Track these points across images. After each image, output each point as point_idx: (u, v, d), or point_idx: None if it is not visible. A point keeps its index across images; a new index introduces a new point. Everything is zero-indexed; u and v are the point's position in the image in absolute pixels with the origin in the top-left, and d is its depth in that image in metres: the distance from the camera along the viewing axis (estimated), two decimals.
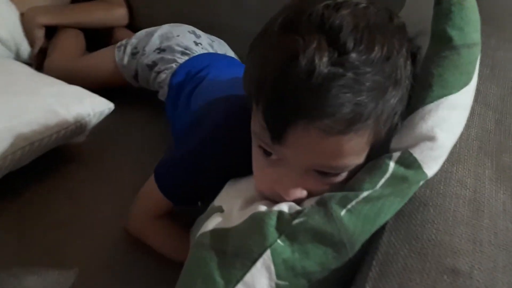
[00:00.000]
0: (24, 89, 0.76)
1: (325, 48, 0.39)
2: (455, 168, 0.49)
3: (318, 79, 0.38)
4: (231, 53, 0.96)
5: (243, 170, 0.54)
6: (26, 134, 0.69)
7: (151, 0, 1.13)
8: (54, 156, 0.78)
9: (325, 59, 0.39)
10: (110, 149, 0.84)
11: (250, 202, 0.50)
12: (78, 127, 0.76)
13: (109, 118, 0.83)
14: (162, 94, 0.87)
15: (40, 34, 1.04)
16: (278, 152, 0.45)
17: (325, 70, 0.38)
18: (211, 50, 0.90)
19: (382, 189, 0.44)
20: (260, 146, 0.47)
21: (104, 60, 0.95)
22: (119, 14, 1.13)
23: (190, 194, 0.61)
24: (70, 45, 1.05)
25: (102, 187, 0.75)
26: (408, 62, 0.44)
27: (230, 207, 0.50)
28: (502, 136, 0.54)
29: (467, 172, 0.48)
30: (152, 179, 0.62)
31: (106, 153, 0.83)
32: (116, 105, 0.83)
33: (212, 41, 0.94)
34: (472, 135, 0.53)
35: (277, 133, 0.42)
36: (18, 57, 1.04)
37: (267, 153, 0.46)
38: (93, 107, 0.78)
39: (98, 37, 1.14)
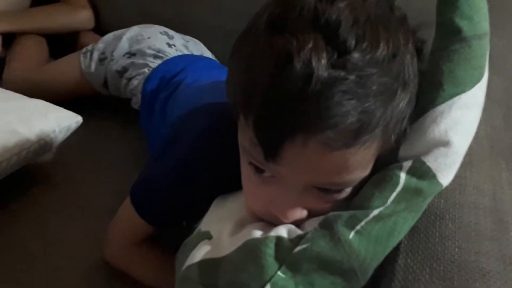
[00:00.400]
0: None
1: (322, 48, 0.33)
2: (468, 172, 0.44)
3: (317, 85, 0.33)
4: (208, 54, 0.89)
5: (231, 185, 0.48)
6: None
7: (117, 1, 1.04)
8: (18, 179, 0.70)
9: (323, 61, 0.33)
10: (80, 168, 0.76)
11: (242, 225, 0.44)
12: (42, 145, 0.69)
13: (78, 133, 0.75)
14: (135, 102, 0.79)
15: None
16: (272, 170, 0.39)
17: (325, 74, 0.33)
18: (186, 52, 0.83)
19: (394, 204, 0.38)
20: (251, 163, 0.40)
21: (69, 68, 0.88)
22: (84, 17, 1.05)
23: (171, 215, 0.54)
24: (30, 53, 0.96)
25: (73, 212, 0.68)
26: (415, 59, 0.38)
27: (219, 232, 0.44)
28: None
29: (482, 177, 0.43)
30: (128, 201, 0.55)
31: (76, 172, 0.76)
32: (85, 118, 0.76)
33: (187, 41, 0.87)
34: (481, 134, 0.48)
35: (272, 150, 0.36)
36: None
37: (260, 170, 0.40)
38: (58, 122, 0.71)
39: (62, 43, 1.06)
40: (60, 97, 0.83)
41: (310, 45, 0.33)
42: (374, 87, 0.34)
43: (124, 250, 0.57)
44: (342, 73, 0.33)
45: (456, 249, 0.37)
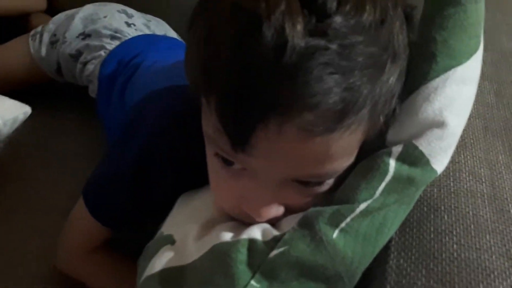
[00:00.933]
0: None
1: (298, 11, 0.27)
2: (462, 156, 0.39)
3: (292, 57, 0.27)
4: (173, 34, 0.82)
5: (197, 179, 0.42)
6: None
7: None
8: None
9: (299, 27, 0.27)
10: (30, 164, 0.68)
11: (209, 226, 0.38)
12: None
13: (28, 126, 0.67)
14: (93, 90, 0.72)
15: None
16: (242, 161, 0.33)
17: (301, 43, 0.27)
18: (147, 32, 0.75)
19: (384, 196, 0.33)
20: (217, 154, 0.34)
21: (16, 53, 0.78)
22: None
23: (130, 215, 0.48)
24: None
25: (23, 215, 0.61)
26: (405, 27, 0.33)
27: (184, 236, 0.38)
28: (507, 110, 0.45)
29: (478, 161, 0.39)
30: (81, 201, 0.48)
31: (26, 170, 0.67)
32: (37, 108, 0.67)
33: (148, 20, 0.79)
34: (473, 113, 0.44)
35: (240, 138, 0.30)
36: None
37: (228, 162, 0.34)
38: (1, 113, 0.62)
39: (12, 27, 0.96)
40: (10, 86, 0.74)
41: (282, 8, 0.27)
42: (360, 59, 0.28)
43: (79, 257, 0.50)
44: (322, 42, 0.27)
45: (455, 246, 0.32)
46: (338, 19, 0.27)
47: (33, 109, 0.65)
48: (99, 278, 0.49)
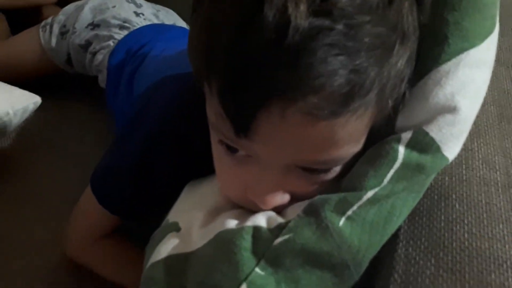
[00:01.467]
0: None
1: None
2: (476, 144, 0.38)
3: (295, 38, 0.26)
4: (182, 24, 0.81)
5: (204, 168, 0.41)
6: None
7: None
8: None
9: (302, 7, 0.26)
10: (41, 155, 0.68)
11: (215, 213, 0.38)
12: None
13: (38, 116, 0.67)
14: (102, 80, 0.72)
15: None
16: (246, 148, 0.32)
17: (305, 24, 0.26)
18: (156, 21, 0.75)
19: (392, 184, 0.32)
20: (221, 141, 0.34)
21: (27, 45, 0.79)
22: None
23: (138, 203, 0.47)
24: None
25: (32, 204, 0.61)
26: (414, 8, 0.32)
27: (189, 223, 0.37)
28: None
29: (492, 148, 0.37)
30: (89, 189, 0.48)
31: (36, 160, 0.68)
32: (48, 99, 0.68)
33: (157, 10, 0.79)
34: (488, 99, 0.42)
35: (242, 124, 0.29)
36: None
37: (232, 150, 0.34)
38: (12, 103, 0.63)
39: (24, 19, 0.96)
40: (21, 77, 0.75)
41: None
42: (367, 40, 0.27)
43: (87, 244, 0.50)
44: (327, 22, 0.26)
45: (466, 235, 0.31)
46: None
47: (43, 100, 0.66)
48: (108, 265, 0.50)
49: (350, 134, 0.30)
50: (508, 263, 0.29)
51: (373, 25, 0.27)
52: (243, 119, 0.29)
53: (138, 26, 0.71)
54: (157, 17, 0.76)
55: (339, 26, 0.26)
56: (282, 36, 0.26)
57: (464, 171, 0.35)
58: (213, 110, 0.32)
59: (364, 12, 0.27)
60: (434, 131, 0.33)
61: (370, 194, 0.32)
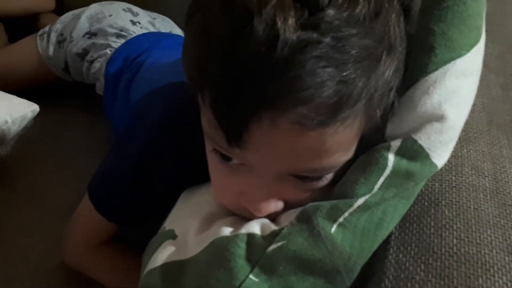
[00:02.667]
0: None
1: (289, 5, 0.27)
2: (465, 150, 0.39)
3: (284, 51, 0.27)
4: (178, 32, 0.82)
5: (200, 175, 0.42)
6: None
7: None
8: None
9: (291, 21, 0.27)
10: (39, 162, 0.69)
11: (210, 221, 0.38)
12: None
13: (36, 124, 0.68)
14: (100, 87, 0.72)
15: None
16: (239, 156, 0.33)
17: (293, 37, 0.27)
18: (152, 29, 0.75)
19: (382, 191, 0.33)
20: (215, 150, 0.35)
21: (24, 53, 0.80)
22: None
23: (135, 210, 0.48)
24: None
25: (31, 211, 0.61)
26: (402, 19, 0.32)
27: (185, 231, 0.38)
28: None
29: (481, 155, 0.38)
30: (86, 196, 0.49)
31: (35, 168, 0.68)
32: (46, 106, 0.68)
33: (154, 18, 0.80)
34: (477, 106, 0.43)
35: (234, 133, 0.30)
36: None
37: (226, 158, 0.34)
38: (10, 111, 0.63)
39: (21, 27, 0.97)
40: (19, 85, 0.76)
41: (273, 2, 0.27)
42: (354, 52, 0.28)
43: (85, 252, 0.51)
44: (315, 35, 0.27)
45: (455, 240, 0.32)
46: (330, 12, 0.27)
47: (41, 108, 0.67)
48: (105, 272, 0.50)
49: (340, 143, 0.31)
50: (495, 268, 0.30)
51: (360, 38, 0.28)
52: (235, 129, 0.30)
53: (135, 35, 0.72)
54: (153, 25, 0.77)
55: (327, 39, 0.27)
56: (271, 49, 0.27)
57: (453, 177, 0.36)
58: (206, 120, 0.33)
59: (351, 25, 0.28)
60: (422, 139, 0.33)
61: (361, 201, 0.33)
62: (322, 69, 0.27)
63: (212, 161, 0.37)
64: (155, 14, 0.81)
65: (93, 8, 0.77)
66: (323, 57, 0.27)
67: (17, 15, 0.97)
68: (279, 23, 0.26)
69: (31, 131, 0.68)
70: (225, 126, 0.30)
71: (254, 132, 0.29)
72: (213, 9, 0.30)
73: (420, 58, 0.34)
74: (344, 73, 0.28)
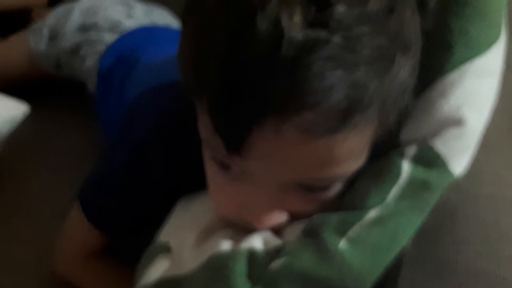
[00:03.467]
0: None
1: (297, 2, 0.24)
2: (484, 157, 0.36)
3: (290, 51, 0.24)
4: (175, 25, 0.79)
5: (197, 183, 0.39)
6: None
7: None
8: None
9: (297, 18, 0.24)
10: (29, 165, 0.66)
11: (208, 233, 0.36)
12: None
13: (26, 125, 0.65)
14: (92, 86, 0.69)
15: None
16: (239, 165, 0.30)
17: (299, 36, 0.24)
18: (148, 22, 0.72)
19: (396, 202, 0.30)
20: (214, 157, 0.32)
21: (16, 49, 0.77)
22: None
23: (127, 220, 0.46)
24: None
25: (22, 218, 0.59)
26: (417, 15, 0.30)
27: (180, 244, 0.36)
28: None
29: (502, 162, 0.36)
30: (76, 206, 0.46)
31: (25, 171, 0.65)
32: (38, 106, 0.65)
33: (151, 10, 0.76)
34: (498, 109, 0.40)
35: (235, 140, 0.27)
36: None
37: (226, 166, 0.32)
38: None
39: (14, 22, 0.94)
40: (11, 82, 0.73)
41: None
42: (365, 52, 0.25)
43: (76, 263, 0.49)
44: (323, 34, 0.24)
45: (473, 255, 0.30)
46: (340, 9, 0.24)
47: (32, 108, 0.64)
48: (97, 286, 0.48)
49: (350, 150, 0.29)
50: None
51: (372, 36, 0.25)
52: (235, 136, 0.28)
53: (129, 29, 0.69)
54: (150, 18, 0.74)
55: (336, 38, 0.25)
56: (275, 50, 0.24)
57: (472, 187, 0.34)
58: (204, 125, 0.30)
59: (363, 23, 0.25)
60: (439, 145, 0.31)
61: (372, 213, 0.30)
62: (331, 71, 0.25)
63: (210, 169, 0.34)
64: (152, 7, 0.78)
65: (86, 1, 0.74)
66: (332, 58, 0.25)
67: (8, 9, 0.94)
68: (283, 21, 0.24)
69: (21, 133, 0.65)
70: (225, 133, 0.28)
71: (256, 140, 0.27)
72: (212, 5, 0.27)
73: (437, 57, 0.32)
74: (355, 76, 0.25)
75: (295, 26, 0.24)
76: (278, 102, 0.25)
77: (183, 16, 0.31)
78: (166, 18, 0.79)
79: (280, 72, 0.25)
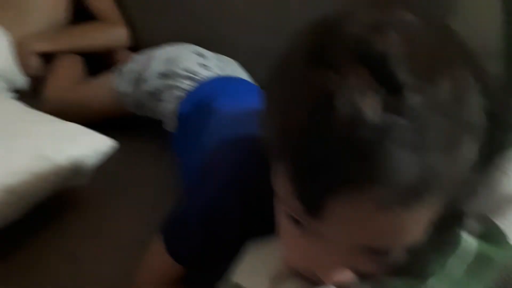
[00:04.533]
0: (12, 130, 0.67)
1: (370, 86, 0.28)
2: None
3: (366, 133, 0.28)
4: (243, 74, 0.85)
5: (267, 226, 0.43)
6: (12, 185, 0.60)
7: (153, 18, 1.02)
8: (51, 204, 0.68)
9: (373, 103, 0.28)
10: (114, 196, 0.74)
11: (279, 281, 0.39)
12: (74, 171, 0.67)
13: (115, 157, 0.72)
14: (168, 124, 0.77)
15: (33, 62, 0.96)
16: (313, 225, 0.34)
17: (376, 119, 0.27)
18: (220, 72, 0.79)
19: (459, 274, 0.32)
20: (288, 213, 0.36)
21: (102, 88, 0.87)
22: (119, 35, 1.04)
23: (203, 255, 0.50)
24: (67, 73, 0.96)
25: (105, 245, 0.66)
26: (482, 98, 0.32)
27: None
28: None
29: None
30: (157, 239, 0.52)
31: (110, 202, 0.73)
32: (123, 140, 0.72)
33: (221, 61, 0.84)
34: None
35: (312, 205, 0.31)
36: (14, 87, 0.95)
37: (299, 221, 0.35)
38: (91, 147, 0.69)
39: (99, 61, 1.05)
40: (97, 117, 0.83)
41: (354, 82, 0.28)
42: (436, 136, 0.28)
43: None
44: (397, 119, 0.28)
45: None
46: (412, 96, 0.28)
47: (118, 141, 0.71)
48: None
49: (417, 222, 0.31)
50: None
51: (441, 122, 0.28)
52: (312, 202, 0.31)
53: (204, 77, 0.76)
54: (221, 68, 0.81)
55: (409, 123, 0.28)
56: (353, 130, 0.28)
57: None
58: (282, 186, 0.34)
59: (432, 109, 0.28)
60: (502, 220, 0.33)
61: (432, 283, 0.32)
62: (404, 153, 0.28)
63: (283, 222, 0.38)
64: (222, 57, 0.85)
65: (166, 49, 0.82)
66: (405, 142, 0.28)
67: (96, 50, 1.05)
68: (360, 104, 0.27)
69: (105, 164, 0.72)
70: (303, 198, 0.31)
71: (331, 207, 0.30)
72: (296, 84, 0.31)
73: (500, 136, 0.34)
74: (426, 159, 0.28)
75: (371, 109, 0.27)
76: (354, 177, 0.29)
77: (268, 85, 0.35)
78: (235, 68, 0.85)
79: (356, 150, 0.28)
